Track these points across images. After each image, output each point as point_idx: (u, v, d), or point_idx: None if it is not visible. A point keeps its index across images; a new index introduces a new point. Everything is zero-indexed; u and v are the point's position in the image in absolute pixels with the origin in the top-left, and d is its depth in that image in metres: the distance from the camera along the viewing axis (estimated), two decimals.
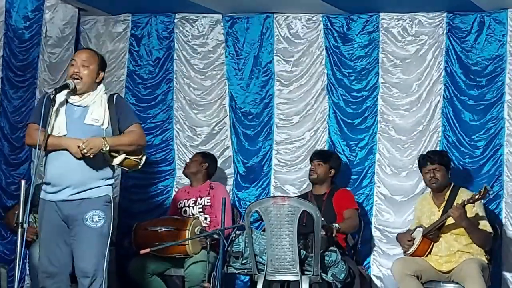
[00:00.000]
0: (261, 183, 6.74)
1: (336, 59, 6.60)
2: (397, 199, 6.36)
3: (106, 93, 4.69)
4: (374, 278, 6.36)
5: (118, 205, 6.69)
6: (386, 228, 6.36)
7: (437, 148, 6.24)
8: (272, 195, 6.57)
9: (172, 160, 6.97)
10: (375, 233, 6.39)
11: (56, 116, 4.52)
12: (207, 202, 6.28)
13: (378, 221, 6.39)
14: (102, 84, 4.69)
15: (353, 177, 6.51)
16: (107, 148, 4.47)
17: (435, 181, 5.74)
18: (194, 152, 6.68)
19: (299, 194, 6.34)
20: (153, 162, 6.94)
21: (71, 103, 4.58)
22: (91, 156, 4.45)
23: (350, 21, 6.57)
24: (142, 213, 6.76)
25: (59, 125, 4.52)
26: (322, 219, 5.54)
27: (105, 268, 4.48)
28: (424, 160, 5.83)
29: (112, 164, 4.56)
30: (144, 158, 4.70)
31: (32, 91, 6.54)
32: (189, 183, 6.53)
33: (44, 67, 6.63)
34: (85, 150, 4.41)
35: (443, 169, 5.75)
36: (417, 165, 6.04)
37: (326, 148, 6.56)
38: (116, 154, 4.54)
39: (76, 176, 4.49)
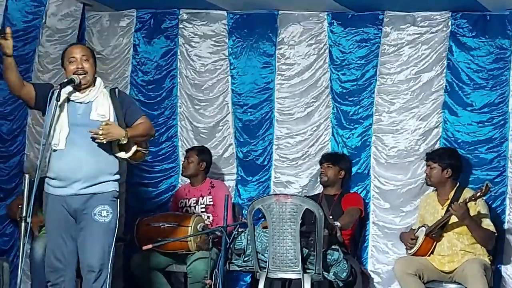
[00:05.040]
0: (263, 179, 6.75)
1: (339, 56, 6.58)
2: (394, 195, 6.35)
3: (105, 87, 4.72)
4: (372, 274, 6.37)
5: (125, 202, 6.71)
6: (384, 223, 6.35)
7: (438, 144, 6.25)
8: (272, 191, 6.57)
9: (176, 157, 6.96)
10: (373, 228, 6.38)
11: (59, 115, 4.53)
12: (209, 201, 6.29)
13: (377, 216, 6.38)
14: (99, 78, 4.72)
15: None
16: (125, 141, 4.50)
17: (428, 179, 5.87)
18: None
19: (311, 194, 6.32)
20: (158, 159, 6.94)
21: (73, 101, 4.60)
22: (104, 142, 4.47)
23: (355, 19, 6.55)
24: (148, 210, 6.74)
25: (61, 124, 4.53)
26: (331, 217, 5.57)
27: (110, 263, 4.51)
28: (426, 156, 5.95)
29: (124, 157, 4.59)
30: (148, 149, 4.82)
31: None
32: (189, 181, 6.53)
33: (41, 60, 6.55)
34: (101, 132, 4.43)
35: (437, 168, 5.79)
36: (414, 161, 6.22)
37: (329, 145, 6.58)
38: (127, 146, 4.58)
39: (86, 171, 4.52)
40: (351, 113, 6.54)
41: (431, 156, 5.88)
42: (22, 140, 6.50)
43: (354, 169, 6.46)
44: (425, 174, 5.92)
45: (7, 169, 6.41)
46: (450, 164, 5.81)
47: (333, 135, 6.58)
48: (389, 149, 6.40)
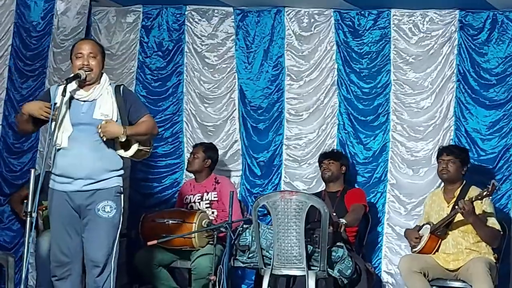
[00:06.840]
0: (270, 177, 6.74)
1: (346, 54, 6.58)
2: (410, 197, 6.35)
3: (110, 84, 4.69)
4: (385, 275, 6.37)
5: (128, 198, 6.72)
6: (398, 225, 6.35)
7: None
8: (282, 189, 6.57)
9: (181, 154, 6.96)
10: (387, 230, 6.39)
11: (64, 112, 4.52)
12: (214, 197, 6.28)
13: (390, 218, 6.39)
14: (105, 74, 4.70)
15: (365, 174, 6.51)
16: (124, 139, 4.50)
17: (446, 172, 5.77)
18: None
19: (312, 192, 6.31)
20: (163, 155, 6.94)
21: (77, 99, 4.59)
22: (104, 139, 4.48)
23: (362, 17, 6.55)
24: (151, 206, 6.77)
25: (64, 123, 4.52)
26: (334, 214, 5.56)
27: (114, 258, 4.52)
28: (442, 151, 5.87)
29: (124, 155, 4.60)
30: (152, 147, 4.80)
31: (41, 81, 6.56)
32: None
33: (54, 57, 6.63)
34: (99, 130, 4.45)
35: (457, 163, 5.75)
36: (429, 163, 6.19)
37: (335, 144, 6.57)
38: (128, 144, 4.58)
39: (89, 168, 4.51)
40: (360, 112, 6.55)
41: (452, 151, 5.81)
42: (36, 136, 6.53)
43: (370, 173, 6.47)
44: (440, 171, 5.79)
45: (20, 165, 6.47)
46: (467, 161, 5.80)
47: (339, 132, 6.58)
48: (405, 153, 6.40)
